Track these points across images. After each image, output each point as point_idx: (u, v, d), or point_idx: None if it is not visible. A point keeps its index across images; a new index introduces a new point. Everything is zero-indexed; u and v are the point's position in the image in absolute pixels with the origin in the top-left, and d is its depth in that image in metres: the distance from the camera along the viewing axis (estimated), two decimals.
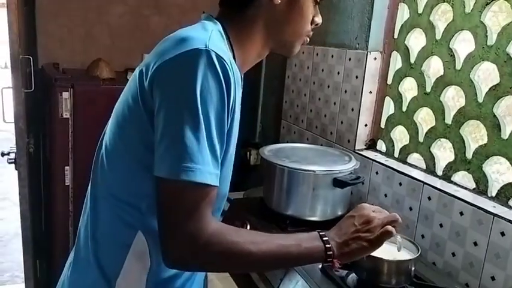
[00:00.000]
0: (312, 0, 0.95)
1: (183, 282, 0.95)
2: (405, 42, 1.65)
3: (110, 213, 0.89)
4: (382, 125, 1.76)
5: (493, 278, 1.21)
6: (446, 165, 1.47)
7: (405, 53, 1.65)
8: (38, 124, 2.28)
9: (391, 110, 1.72)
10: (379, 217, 0.92)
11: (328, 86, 1.94)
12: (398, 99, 1.68)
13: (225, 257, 0.80)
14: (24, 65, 1.97)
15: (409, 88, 1.67)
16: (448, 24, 1.47)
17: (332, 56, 1.92)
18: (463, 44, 1.44)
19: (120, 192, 0.88)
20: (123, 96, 0.89)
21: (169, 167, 0.75)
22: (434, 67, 1.56)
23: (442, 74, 1.49)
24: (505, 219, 1.18)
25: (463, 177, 1.43)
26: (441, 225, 1.37)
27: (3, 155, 2.07)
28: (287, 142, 2.18)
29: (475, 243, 1.26)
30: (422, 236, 1.44)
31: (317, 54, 2.02)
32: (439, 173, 1.49)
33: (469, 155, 1.39)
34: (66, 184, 2.10)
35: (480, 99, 1.35)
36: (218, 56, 0.78)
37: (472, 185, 1.38)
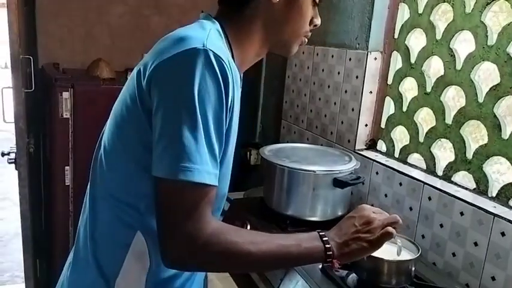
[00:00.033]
0: (311, 1, 0.95)
1: (182, 282, 0.95)
2: (405, 42, 1.64)
3: (109, 214, 0.89)
4: (383, 125, 1.76)
5: (493, 278, 1.21)
6: (446, 166, 1.47)
7: (405, 53, 1.65)
8: (38, 124, 2.28)
9: (392, 110, 1.72)
10: (380, 218, 0.92)
11: (329, 86, 1.94)
12: (398, 99, 1.68)
13: (224, 257, 0.80)
14: (24, 65, 1.97)
15: (409, 88, 1.67)
16: (448, 24, 1.46)
17: (332, 56, 1.91)
18: (464, 44, 1.44)
19: (119, 193, 0.88)
20: (122, 96, 0.88)
21: (167, 167, 0.75)
22: (434, 67, 1.56)
23: (442, 74, 1.49)
24: (505, 219, 1.18)
25: (463, 177, 1.42)
26: (441, 226, 1.37)
27: (3, 155, 2.07)
28: (287, 142, 2.18)
29: (476, 244, 1.26)
30: (423, 236, 1.43)
31: (317, 54, 2.01)
32: (440, 173, 1.49)
33: (469, 155, 1.39)
34: (66, 184, 2.10)
35: (480, 99, 1.35)
36: (216, 55, 0.78)
37: (473, 185, 1.37)
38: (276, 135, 2.37)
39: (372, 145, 1.79)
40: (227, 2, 0.95)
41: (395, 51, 1.71)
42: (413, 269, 1.16)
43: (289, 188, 1.50)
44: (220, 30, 0.90)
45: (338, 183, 1.46)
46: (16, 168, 1.99)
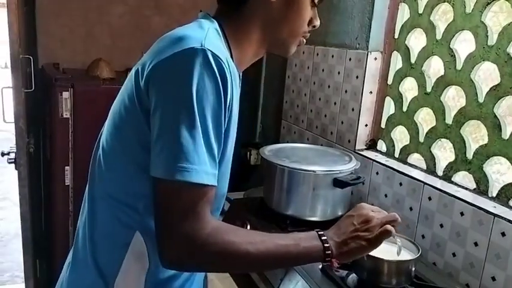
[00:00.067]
0: (309, 1, 0.95)
1: (182, 282, 0.95)
2: (406, 42, 1.64)
3: (108, 214, 0.89)
4: (383, 125, 1.76)
5: (493, 279, 1.21)
6: (446, 166, 1.46)
7: (406, 53, 1.64)
8: (38, 124, 2.28)
9: (392, 110, 1.72)
10: (378, 216, 0.91)
11: (329, 86, 1.94)
12: (398, 99, 1.68)
13: (222, 257, 0.80)
14: (24, 65, 1.97)
15: (409, 88, 1.67)
16: (448, 24, 1.46)
17: (332, 56, 1.91)
18: (464, 44, 1.44)
19: (118, 193, 0.88)
20: (120, 96, 0.88)
21: (165, 167, 0.75)
22: (434, 67, 1.56)
23: (442, 74, 1.49)
24: (505, 219, 1.18)
25: (463, 177, 1.42)
26: (441, 226, 1.37)
27: (3, 155, 2.07)
28: (287, 142, 2.17)
29: (476, 244, 1.25)
30: (423, 236, 1.43)
31: (317, 54, 2.01)
32: (440, 173, 1.49)
33: (469, 155, 1.39)
34: (66, 184, 2.10)
35: (481, 99, 1.35)
36: (214, 55, 0.78)
37: (473, 185, 1.37)
38: (276, 135, 2.37)
39: (372, 145, 1.79)
40: (226, 1, 0.95)
41: (395, 51, 1.70)
42: (413, 269, 1.16)
43: (289, 188, 1.50)
44: (219, 30, 0.90)
45: (338, 183, 1.46)
46: (16, 168, 1.99)
